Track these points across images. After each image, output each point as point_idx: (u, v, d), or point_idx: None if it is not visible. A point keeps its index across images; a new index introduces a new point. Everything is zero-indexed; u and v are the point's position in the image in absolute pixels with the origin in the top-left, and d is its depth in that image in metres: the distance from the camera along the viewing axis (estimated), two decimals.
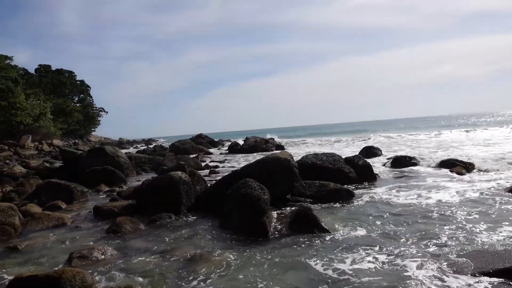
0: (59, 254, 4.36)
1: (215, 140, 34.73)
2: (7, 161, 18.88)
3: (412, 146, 18.31)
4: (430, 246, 3.97)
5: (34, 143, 30.44)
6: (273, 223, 5.09)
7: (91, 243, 4.76)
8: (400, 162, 10.41)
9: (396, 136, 27.80)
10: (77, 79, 57.55)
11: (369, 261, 3.65)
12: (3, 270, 3.90)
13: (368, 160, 9.61)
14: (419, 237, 4.26)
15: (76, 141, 45.10)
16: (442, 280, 3.14)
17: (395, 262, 3.59)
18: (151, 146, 33.41)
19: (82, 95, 57.71)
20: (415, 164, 10.24)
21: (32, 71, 50.85)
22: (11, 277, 3.50)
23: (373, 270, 3.45)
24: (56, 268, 3.70)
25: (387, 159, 11.85)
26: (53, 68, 54.91)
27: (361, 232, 4.62)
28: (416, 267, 3.43)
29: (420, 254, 3.75)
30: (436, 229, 4.51)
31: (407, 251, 3.85)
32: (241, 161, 15.85)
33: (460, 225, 4.63)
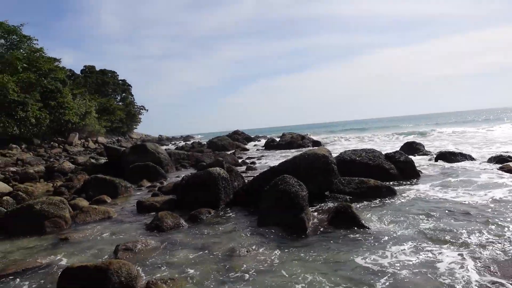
0: (105, 246, 4.57)
1: (251, 136, 34.95)
2: (57, 158, 20.08)
3: (458, 142, 17.45)
4: (475, 246, 3.76)
5: (80, 140, 32.15)
6: (312, 220, 5.05)
7: (135, 236, 4.95)
8: (445, 158, 9.95)
9: (440, 131, 26.58)
10: (119, 78, 60.00)
11: (409, 260, 3.54)
12: (56, 260, 4.15)
13: (410, 156, 9.26)
14: (463, 237, 4.05)
15: (119, 138, 47.08)
16: (483, 283, 3.00)
17: (436, 261, 3.46)
18: (189, 143, 34.19)
19: (124, 94, 60.08)
20: (461, 161, 9.74)
21: (77, 71, 53.60)
22: (63, 263, 3.73)
23: (413, 268, 3.34)
24: (103, 260, 3.89)
25: (431, 155, 11.37)
26: (97, 69, 57.58)
27: (402, 229, 4.46)
28: (458, 268, 3.29)
29: (462, 254, 3.57)
30: (482, 229, 4.26)
31: (450, 251, 3.69)
32: (277, 157, 15.82)
33: (509, 226, 4.34)
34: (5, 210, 5.94)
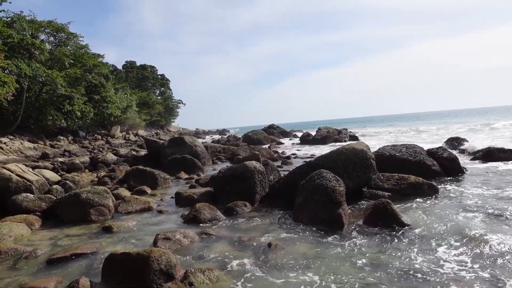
0: (146, 235, 4.75)
1: (287, 130, 34.77)
2: (101, 149, 21.04)
3: (505, 138, 16.40)
4: None
5: (122, 133, 33.47)
6: (349, 216, 4.96)
7: (174, 226, 5.09)
8: (493, 155, 9.39)
9: (485, 127, 25.08)
10: (158, 73, 61.71)
11: (451, 262, 3.37)
12: (100, 246, 4.36)
13: (454, 153, 8.84)
14: (510, 240, 3.82)
15: (158, 131, 48.54)
16: None
17: (480, 266, 3.26)
18: (225, 136, 34.60)
19: (162, 88, 61.78)
20: (510, 159, 9.15)
21: (120, 67, 55.71)
22: (107, 250, 3.91)
23: (456, 271, 3.19)
24: (144, 248, 4.03)
25: (477, 151, 10.77)
26: (137, 64, 59.52)
27: (444, 229, 4.26)
28: (506, 275, 3.08)
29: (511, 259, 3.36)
30: None
31: (495, 255, 3.47)
32: (313, 151, 15.65)
33: None
34: (55, 198, 6.32)
